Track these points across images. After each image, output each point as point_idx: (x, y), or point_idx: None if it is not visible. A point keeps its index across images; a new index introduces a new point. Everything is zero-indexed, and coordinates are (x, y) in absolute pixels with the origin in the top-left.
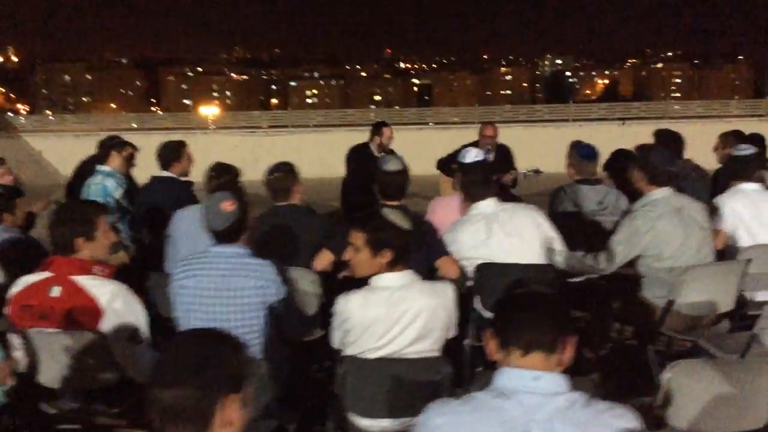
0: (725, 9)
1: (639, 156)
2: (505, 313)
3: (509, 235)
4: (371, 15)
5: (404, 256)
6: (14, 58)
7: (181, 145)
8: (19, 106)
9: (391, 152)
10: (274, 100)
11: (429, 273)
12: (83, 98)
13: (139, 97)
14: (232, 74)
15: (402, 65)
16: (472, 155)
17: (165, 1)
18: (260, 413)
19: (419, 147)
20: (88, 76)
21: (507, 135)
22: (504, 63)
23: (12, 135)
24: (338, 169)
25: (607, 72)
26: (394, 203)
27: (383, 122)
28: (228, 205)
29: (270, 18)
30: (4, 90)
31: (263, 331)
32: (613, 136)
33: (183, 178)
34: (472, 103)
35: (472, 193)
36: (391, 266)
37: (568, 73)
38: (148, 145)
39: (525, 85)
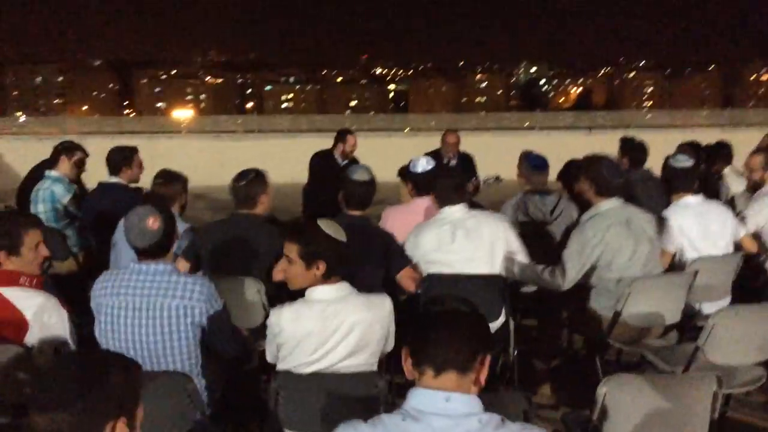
0: (698, 19)
1: (587, 166)
2: (419, 330)
3: (472, 242)
4: (349, 20)
5: (339, 268)
6: None
7: (132, 151)
8: None
9: (355, 161)
10: (249, 105)
11: (389, 285)
12: (55, 100)
13: (112, 100)
14: (207, 78)
15: (378, 71)
16: (423, 164)
17: (141, 2)
18: (189, 431)
19: (393, 153)
20: (60, 78)
21: (479, 142)
22: (480, 70)
23: None
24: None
25: (580, 80)
26: (357, 213)
27: (348, 129)
28: (152, 222)
29: (248, 21)
30: None
31: (191, 349)
32: (580, 144)
33: (133, 185)
34: (448, 109)
35: (442, 198)
36: (326, 278)
37: (541, 81)
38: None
39: (500, 92)
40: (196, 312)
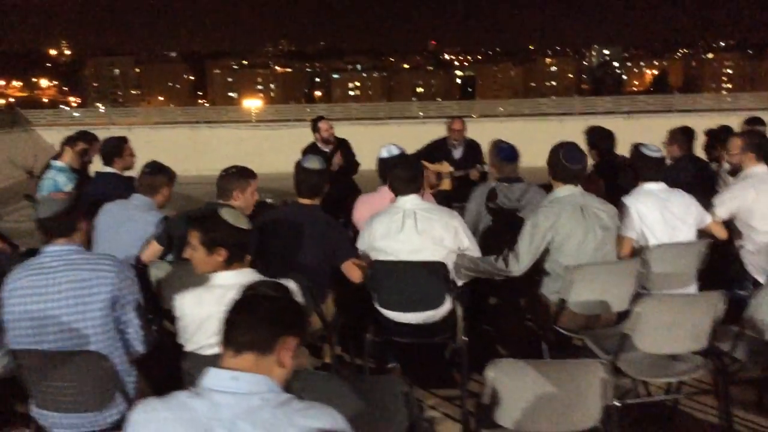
0: None
1: (552, 152)
2: (227, 314)
3: (420, 234)
4: (417, 7)
5: (240, 255)
6: (67, 52)
7: (122, 140)
8: (70, 98)
9: (339, 145)
10: (317, 93)
11: (335, 273)
12: (132, 91)
13: (186, 90)
14: (276, 67)
15: (446, 57)
16: (388, 151)
17: None
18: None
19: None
20: (137, 70)
21: (547, 127)
22: (550, 53)
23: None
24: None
25: (656, 62)
26: (308, 201)
27: (320, 117)
28: (58, 195)
29: (317, 11)
30: (57, 83)
31: (107, 325)
32: (659, 127)
33: (126, 173)
34: (517, 95)
35: (395, 187)
36: (228, 265)
37: (615, 64)
38: (194, 137)
39: (571, 76)
40: (107, 282)
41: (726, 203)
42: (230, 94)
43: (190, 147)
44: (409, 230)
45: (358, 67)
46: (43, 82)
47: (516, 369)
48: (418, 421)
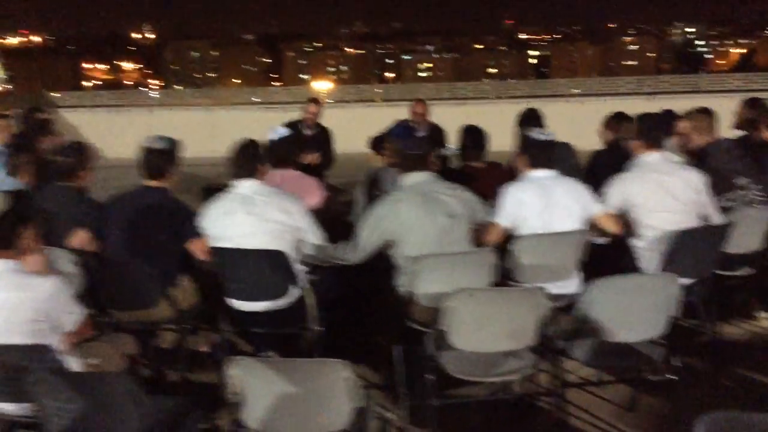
0: None
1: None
2: None
3: (254, 218)
4: None
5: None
6: (149, 36)
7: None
8: (152, 81)
9: (321, 133)
10: (388, 74)
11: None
12: (209, 74)
13: (261, 73)
14: (348, 49)
15: (521, 37)
16: (279, 132)
17: None
18: None
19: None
20: (214, 53)
21: (626, 106)
22: (631, 32)
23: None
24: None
25: (742, 41)
26: (154, 183)
27: (311, 98)
28: None
29: None
30: (140, 66)
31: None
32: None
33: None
34: (594, 74)
35: (233, 172)
36: None
37: (699, 43)
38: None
39: (651, 55)
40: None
41: (615, 194)
42: (302, 76)
43: (261, 129)
44: (242, 215)
45: (429, 48)
46: (127, 65)
47: (256, 368)
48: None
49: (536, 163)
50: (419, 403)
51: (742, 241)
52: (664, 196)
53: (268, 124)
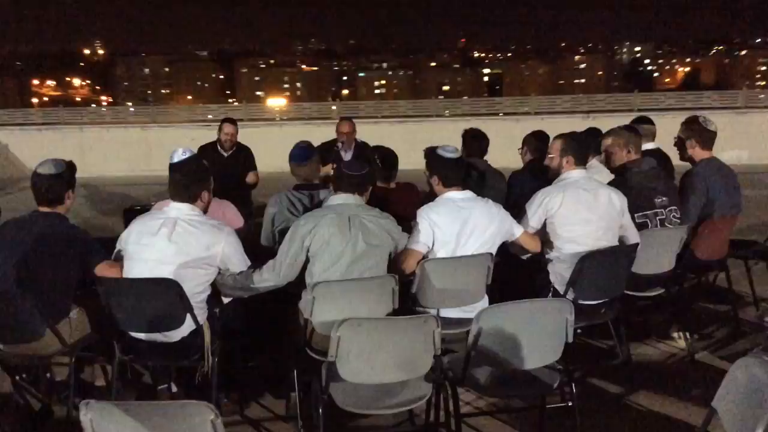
0: None
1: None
2: None
3: (171, 243)
4: (447, 6)
5: None
6: (100, 51)
7: None
8: (102, 98)
9: (239, 152)
10: (344, 92)
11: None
12: (162, 90)
13: (215, 90)
14: (303, 66)
15: (475, 55)
16: (179, 154)
17: None
18: None
19: (491, 138)
20: (167, 69)
21: (572, 125)
22: (581, 51)
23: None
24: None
25: (688, 60)
26: (46, 209)
27: (227, 119)
28: None
29: (347, 10)
30: (89, 82)
31: None
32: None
33: None
34: (545, 92)
35: (170, 193)
36: None
37: (647, 61)
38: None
39: (600, 74)
40: None
41: (537, 212)
42: (257, 93)
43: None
44: (163, 241)
45: (384, 65)
46: (76, 82)
47: (112, 412)
48: None
49: (449, 183)
50: None
51: (654, 262)
52: (582, 211)
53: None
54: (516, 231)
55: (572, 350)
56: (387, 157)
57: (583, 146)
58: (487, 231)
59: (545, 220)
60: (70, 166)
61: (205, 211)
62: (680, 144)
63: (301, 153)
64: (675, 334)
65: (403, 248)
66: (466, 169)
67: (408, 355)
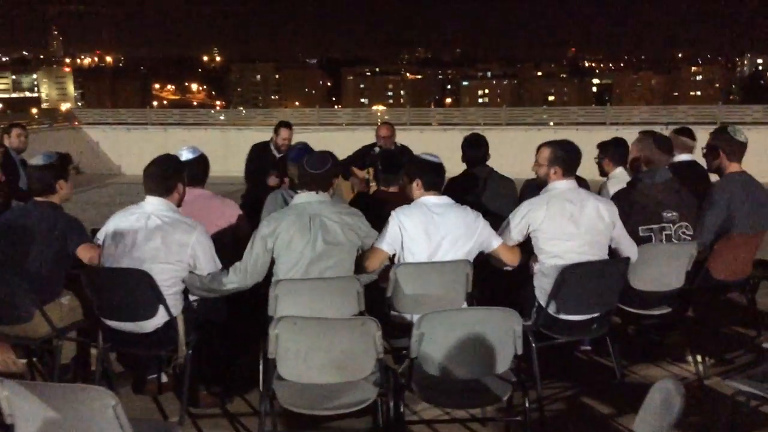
0: None
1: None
2: None
3: (148, 240)
4: (559, 14)
5: None
6: (217, 58)
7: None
8: (217, 102)
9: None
10: (448, 99)
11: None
12: (272, 96)
13: (322, 96)
14: (407, 74)
15: (586, 64)
16: (186, 154)
17: (357, 3)
18: None
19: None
20: (277, 76)
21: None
22: (699, 62)
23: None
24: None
25: None
26: (40, 199)
27: (283, 123)
28: None
29: (455, 20)
30: (206, 87)
31: None
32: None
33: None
34: (657, 104)
35: (146, 187)
36: None
37: None
38: (327, 139)
39: (718, 85)
40: None
41: (519, 224)
42: (362, 99)
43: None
44: (141, 239)
45: (488, 74)
46: (194, 86)
47: (22, 391)
48: None
49: (429, 187)
50: None
51: (657, 279)
52: (566, 225)
53: (326, 145)
54: (494, 242)
55: (574, 366)
56: (389, 161)
57: (573, 156)
58: (459, 239)
59: (528, 233)
60: (62, 158)
61: (179, 204)
62: (707, 153)
63: (297, 154)
64: (689, 357)
65: (370, 246)
66: (471, 183)
67: (346, 357)
